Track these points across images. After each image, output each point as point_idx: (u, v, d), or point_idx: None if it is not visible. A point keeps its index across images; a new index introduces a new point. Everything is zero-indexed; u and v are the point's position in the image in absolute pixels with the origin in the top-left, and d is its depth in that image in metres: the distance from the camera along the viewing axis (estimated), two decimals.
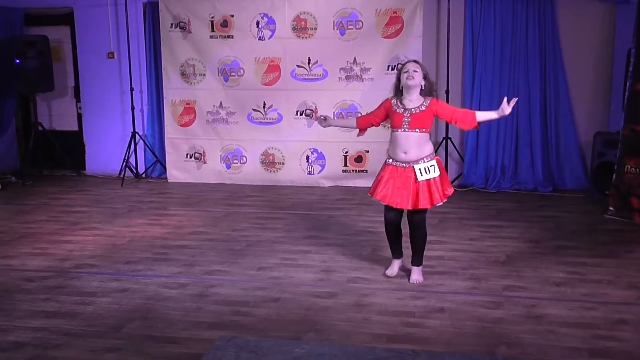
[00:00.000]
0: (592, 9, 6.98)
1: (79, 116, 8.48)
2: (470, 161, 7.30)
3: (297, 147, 7.61)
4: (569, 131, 7.09)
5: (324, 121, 4.44)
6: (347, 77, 7.38)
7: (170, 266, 4.64)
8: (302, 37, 7.41)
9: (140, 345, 3.35)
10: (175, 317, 3.71)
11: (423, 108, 4.03)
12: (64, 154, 8.27)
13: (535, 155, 7.18)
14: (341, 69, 7.37)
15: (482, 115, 4.14)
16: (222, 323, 3.62)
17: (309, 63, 7.43)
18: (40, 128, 8.16)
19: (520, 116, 7.17)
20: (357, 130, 4.48)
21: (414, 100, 4.06)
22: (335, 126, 4.47)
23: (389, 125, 4.20)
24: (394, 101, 4.15)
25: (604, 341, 3.33)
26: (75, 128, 8.56)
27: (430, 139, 4.14)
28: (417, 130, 4.02)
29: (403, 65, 4.16)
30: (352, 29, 7.29)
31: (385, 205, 4.14)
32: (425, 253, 4.25)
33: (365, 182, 6.48)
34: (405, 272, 4.35)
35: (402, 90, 4.10)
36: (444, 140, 7.18)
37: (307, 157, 7.62)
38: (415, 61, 4.17)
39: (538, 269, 4.48)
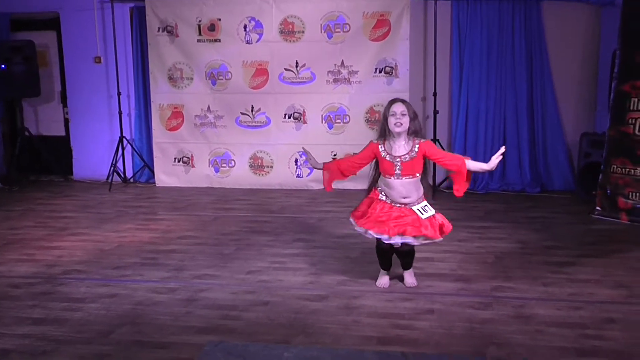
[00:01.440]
0: (578, 12, 7.05)
1: (66, 121, 8.44)
2: None
3: (286, 150, 7.61)
4: (556, 132, 7.15)
5: (310, 159, 4.27)
6: (335, 80, 7.39)
7: (159, 271, 4.61)
8: (290, 41, 7.41)
9: (129, 350, 3.33)
10: (164, 322, 3.69)
11: (413, 154, 3.97)
12: (51, 160, 8.22)
13: (523, 157, 7.23)
14: (329, 72, 7.38)
15: (473, 165, 4.00)
16: (211, 327, 3.61)
17: (296, 66, 7.43)
18: (26, 133, 8.11)
19: (508, 118, 7.22)
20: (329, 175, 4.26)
21: (402, 145, 3.99)
22: (318, 168, 4.30)
23: (380, 170, 4.10)
24: (381, 146, 4.05)
25: (592, 340, 3.35)
26: (63, 133, 8.51)
27: (424, 182, 4.09)
28: (410, 176, 3.99)
29: (389, 104, 4.03)
30: (339, 32, 7.30)
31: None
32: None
33: (354, 185, 6.48)
34: (398, 278, 4.34)
35: (388, 131, 4.01)
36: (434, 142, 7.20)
37: (296, 160, 7.62)
38: (402, 101, 4.03)
39: (526, 269, 4.51)
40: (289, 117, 7.57)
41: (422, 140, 4.03)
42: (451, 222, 4.11)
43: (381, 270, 4.27)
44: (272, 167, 7.69)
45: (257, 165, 7.73)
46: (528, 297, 3.99)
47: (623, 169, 5.79)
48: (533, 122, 7.19)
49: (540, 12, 7.02)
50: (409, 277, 4.23)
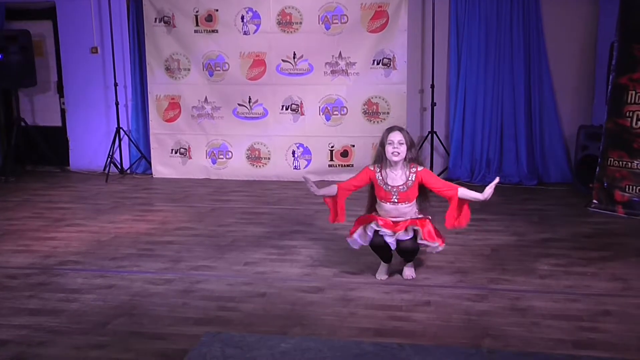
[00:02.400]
0: (576, 3, 7.03)
1: (63, 111, 8.40)
2: (455, 155, 7.33)
3: (283, 142, 7.59)
4: (553, 125, 7.15)
5: (311, 187, 4.26)
6: (333, 72, 7.37)
7: (155, 262, 4.61)
8: (287, 32, 7.38)
9: (125, 341, 3.33)
10: (161, 313, 3.70)
11: (410, 184, 4.02)
12: (47, 150, 8.20)
13: (520, 149, 7.22)
14: (326, 63, 7.35)
15: (466, 193, 4.05)
16: (208, 318, 3.61)
17: (294, 58, 7.41)
18: (22, 124, 8.07)
19: (505, 110, 7.21)
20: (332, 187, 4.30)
21: (398, 174, 4.03)
22: (319, 195, 4.32)
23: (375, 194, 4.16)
24: (377, 174, 4.08)
25: (587, 333, 3.36)
26: (59, 123, 8.48)
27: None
28: (406, 202, 4.04)
29: (387, 132, 4.05)
30: (337, 23, 7.27)
31: (375, 231, 4.06)
32: None
33: (351, 176, 6.46)
34: (397, 271, 4.34)
35: (385, 158, 4.04)
36: (430, 134, 7.20)
37: (293, 152, 7.61)
38: (399, 129, 4.06)
39: (523, 261, 4.52)
40: (287, 109, 7.55)
41: (420, 169, 4.07)
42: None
43: (381, 263, 4.27)
44: (269, 158, 7.67)
45: (255, 156, 7.71)
46: (524, 289, 4.00)
47: (620, 162, 5.79)
48: (530, 114, 7.18)
49: (538, 4, 7.00)
50: (408, 270, 4.24)
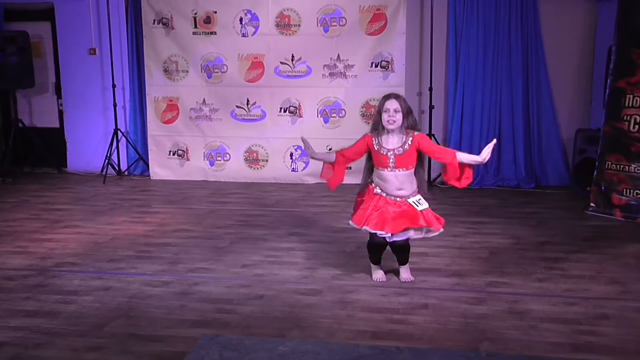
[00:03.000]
0: (574, 6, 7.04)
1: (60, 113, 8.39)
2: None
3: (281, 144, 7.59)
4: (551, 128, 7.16)
5: (308, 149, 4.30)
6: (331, 74, 7.37)
7: (153, 264, 4.60)
8: (286, 34, 7.39)
9: (123, 343, 3.32)
10: (158, 315, 3.69)
11: (406, 147, 3.98)
12: (45, 151, 8.18)
13: (518, 152, 7.23)
14: (325, 65, 7.36)
15: (465, 157, 4.00)
16: (205, 321, 3.60)
17: (292, 60, 7.41)
18: (20, 125, 8.06)
19: (503, 113, 7.22)
20: (330, 166, 4.27)
21: (395, 139, 4.00)
22: (315, 159, 4.32)
23: (373, 163, 4.12)
24: (374, 139, 4.06)
25: (586, 336, 3.36)
26: (57, 125, 8.47)
27: (419, 174, 4.12)
28: (403, 169, 4.00)
29: (384, 100, 4.02)
30: (335, 25, 7.28)
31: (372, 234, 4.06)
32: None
33: (349, 179, 6.40)
34: (393, 273, 4.34)
35: (382, 126, 4.01)
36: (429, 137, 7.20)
37: (291, 154, 7.61)
38: (396, 97, 4.02)
39: (521, 264, 4.51)
40: (285, 111, 7.55)
41: (417, 134, 4.03)
42: (445, 217, 4.13)
43: (372, 265, 4.27)
44: (267, 160, 7.67)
45: (252, 158, 7.71)
46: (522, 292, 3.99)
47: (618, 166, 5.80)
48: (528, 117, 7.19)
49: (536, 7, 7.02)
50: (405, 273, 4.23)
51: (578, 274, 4.31)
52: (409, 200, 4.01)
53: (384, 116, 3.97)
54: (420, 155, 4.07)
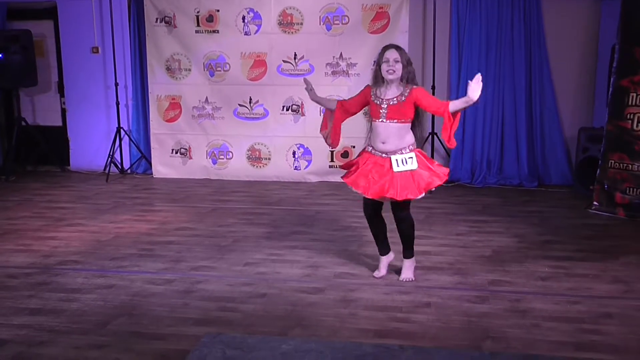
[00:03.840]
0: (577, 5, 7.02)
1: (63, 111, 8.39)
2: (456, 156, 7.32)
3: (283, 142, 7.59)
4: (554, 126, 7.14)
5: (310, 91, 4.25)
6: (334, 73, 7.36)
7: (156, 262, 4.61)
8: (288, 32, 7.38)
9: (125, 341, 3.33)
10: (161, 313, 3.69)
11: (402, 98, 3.92)
12: (48, 150, 8.19)
13: (521, 151, 7.22)
14: (327, 64, 7.35)
15: (457, 103, 3.91)
16: (208, 319, 3.61)
17: (295, 58, 7.40)
18: (23, 123, 8.06)
19: (506, 112, 7.21)
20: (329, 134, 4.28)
21: (393, 90, 3.95)
22: (315, 101, 4.29)
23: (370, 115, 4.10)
24: (373, 90, 4.03)
25: (589, 335, 3.36)
26: (59, 123, 8.47)
27: (416, 131, 4.09)
28: (395, 120, 3.93)
29: (383, 50, 3.99)
30: (338, 24, 7.27)
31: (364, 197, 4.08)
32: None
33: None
34: (397, 272, 4.33)
35: (382, 79, 3.96)
36: (430, 136, 7.19)
37: (294, 153, 7.60)
38: (396, 47, 3.99)
39: (523, 263, 4.51)
40: (287, 109, 7.54)
41: (415, 87, 3.98)
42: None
43: (380, 257, 4.28)
44: (269, 159, 7.67)
45: (255, 157, 7.71)
46: (525, 291, 3.99)
47: (621, 164, 5.79)
48: (531, 116, 7.18)
49: (539, 6, 7.00)
50: (406, 270, 4.20)
51: (581, 273, 4.30)
52: (392, 157, 3.93)
53: (384, 66, 3.93)
54: (417, 111, 4.00)
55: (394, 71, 3.91)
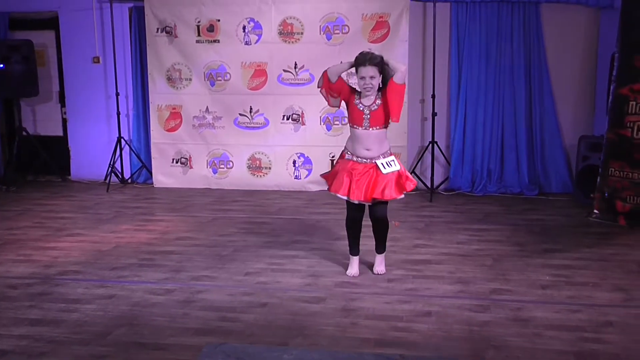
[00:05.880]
0: (577, 14, 7.04)
1: (64, 121, 8.41)
2: (456, 165, 7.33)
3: (284, 151, 7.60)
4: (554, 135, 7.15)
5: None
6: None
7: (156, 272, 4.61)
8: (289, 42, 7.41)
9: (126, 352, 3.32)
10: (162, 323, 3.69)
11: (379, 101, 4.11)
12: (48, 160, 8.20)
13: (521, 159, 7.22)
14: None
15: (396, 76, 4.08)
16: (209, 329, 3.60)
17: (295, 68, 7.43)
18: (24, 133, 8.08)
19: (506, 120, 7.22)
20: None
21: (371, 97, 4.15)
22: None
23: (348, 121, 4.26)
24: (356, 95, 4.19)
25: (590, 344, 3.35)
26: (60, 133, 8.48)
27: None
28: (377, 127, 4.12)
29: (357, 65, 4.11)
30: (338, 33, 7.30)
31: (348, 203, 4.25)
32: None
33: None
34: (390, 279, 4.34)
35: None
36: (430, 144, 7.20)
37: (294, 162, 7.61)
38: (369, 60, 4.06)
39: (524, 272, 4.51)
40: (288, 119, 7.56)
41: (384, 89, 4.14)
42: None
43: (351, 257, 4.44)
44: (270, 168, 7.67)
45: (255, 166, 7.71)
46: (526, 299, 3.99)
47: (621, 172, 5.79)
48: (531, 124, 7.19)
49: (539, 15, 7.03)
50: (381, 264, 4.41)
51: (582, 281, 4.30)
52: (377, 162, 4.13)
53: (360, 83, 4.11)
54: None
55: (372, 87, 4.10)
